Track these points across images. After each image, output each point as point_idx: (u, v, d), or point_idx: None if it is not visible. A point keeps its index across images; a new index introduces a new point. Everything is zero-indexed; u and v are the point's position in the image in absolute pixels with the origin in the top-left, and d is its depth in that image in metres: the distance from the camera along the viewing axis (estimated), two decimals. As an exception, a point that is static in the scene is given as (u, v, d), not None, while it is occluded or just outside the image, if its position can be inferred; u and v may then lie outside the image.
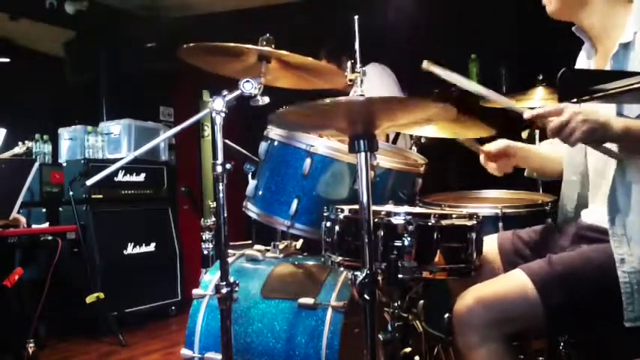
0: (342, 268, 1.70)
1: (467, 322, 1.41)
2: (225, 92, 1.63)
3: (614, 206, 1.43)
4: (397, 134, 3.15)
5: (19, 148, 3.84)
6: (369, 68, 3.18)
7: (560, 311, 1.39)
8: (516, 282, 1.42)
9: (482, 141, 1.95)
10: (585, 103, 1.37)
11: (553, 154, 1.76)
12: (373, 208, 1.33)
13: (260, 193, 1.98)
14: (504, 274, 1.51)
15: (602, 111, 1.38)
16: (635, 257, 1.37)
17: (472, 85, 1.56)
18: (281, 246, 2.09)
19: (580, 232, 1.58)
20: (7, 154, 3.75)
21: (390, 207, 1.68)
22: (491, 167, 1.81)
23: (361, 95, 1.42)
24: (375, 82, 3.12)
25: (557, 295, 1.38)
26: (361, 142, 1.33)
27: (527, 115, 1.44)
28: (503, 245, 1.68)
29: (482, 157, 1.82)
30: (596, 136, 1.33)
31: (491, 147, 1.79)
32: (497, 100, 1.57)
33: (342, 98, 1.30)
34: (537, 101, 2.67)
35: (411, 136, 2.73)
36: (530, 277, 1.41)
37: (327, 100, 1.25)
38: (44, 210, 3.97)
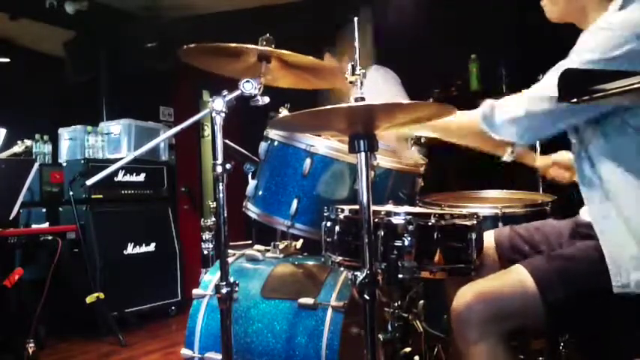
0: (342, 268, 1.70)
1: (466, 318, 1.41)
2: (225, 92, 1.63)
3: (592, 209, 1.44)
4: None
5: (18, 147, 3.83)
6: (373, 71, 3.20)
7: (559, 306, 1.39)
8: (516, 277, 1.42)
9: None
10: None
11: None
12: (373, 208, 1.33)
13: (260, 193, 1.98)
14: (504, 270, 1.51)
15: None
16: (620, 248, 1.37)
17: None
18: (281, 246, 2.09)
19: (578, 228, 1.59)
20: (5, 154, 3.75)
21: (390, 207, 1.68)
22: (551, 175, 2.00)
23: (361, 98, 1.42)
24: (379, 85, 3.12)
25: (557, 290, 1.38)
26: (361, 142, 1.33)
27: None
28: (500, 241, 1.69)
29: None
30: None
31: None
32: None
33: (341, 105, 1.30)
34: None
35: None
36: (530, 273, 1.41)
37: (327, 107, 1.25)
38: (44, 210, 3.98)
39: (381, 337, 1.68)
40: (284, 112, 2.52)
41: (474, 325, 1.39)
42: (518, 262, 1.48)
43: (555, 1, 1.54)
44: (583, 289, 1.41)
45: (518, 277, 1.42)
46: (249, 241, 2.60)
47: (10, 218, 2.99)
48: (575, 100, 0.91)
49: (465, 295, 1.43)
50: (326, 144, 1.86)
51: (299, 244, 2.17)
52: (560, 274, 1.40)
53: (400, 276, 1.43)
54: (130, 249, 4.08)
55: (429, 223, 1.45)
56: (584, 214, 1.61)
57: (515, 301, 1.40)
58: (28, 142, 3.90)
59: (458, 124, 1.56)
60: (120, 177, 4.12)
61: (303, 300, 1.77)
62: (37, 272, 3.18)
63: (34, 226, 3.42)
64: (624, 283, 1.34)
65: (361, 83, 1.46)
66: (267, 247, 2.11)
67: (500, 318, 1.39)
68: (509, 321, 1.41)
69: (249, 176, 2.06)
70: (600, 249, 1.40)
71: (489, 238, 1.69)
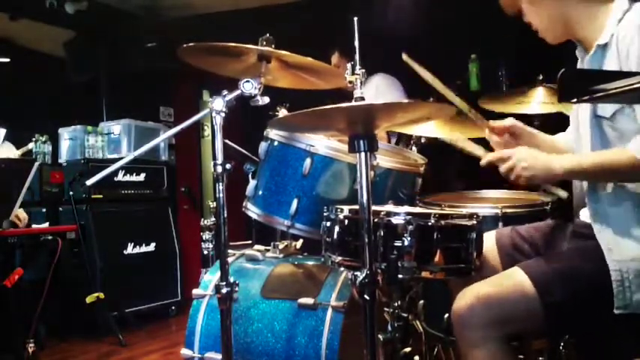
0: (342, 268, 1.70)
1: (467, 321, 1.40)
2: (225, 92, 1.63)
3: (596, 199, 1.46)
4: (399, 138, 3.14)
5: (33, 144, 4.10)
6: (378, 79, 3.20)
7: (558, 309, 1.39)
8: (515, 281, 1.42)
9: (480, 140, 1.96)
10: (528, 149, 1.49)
11: (568, 145, 1.74)
12: (373, 208, 1.33)
13: (260, 193, 1.98)
14: (503, 273, 1.51)
15: (543, 155, 1.47)
16: (621, 247, 1.38)
17: (438, 85, 1.71)
18: (281, 246, 2.10)
19: (577, 229, 1.59)
20: (21, 151, 3.92)
21: (390, 207, 1.68)
22: (494, 140, 1.78)
23: (361, 97, 1.43)
24: (383, 93, 3.12)
25: (556, 292, 1.38)
26: (361, 142, 1.33)
27: (483, 161, 1.57)
28: (501, 240, 1.69)
29: (487, 131, 1.80)
30: (539, 179, 1.47)
31: (498, 122, 1.79)
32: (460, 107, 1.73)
33: (341, 105, 1.30)
34: (537, 104, 2.65)
35: (410, 136, 2.73)
36: (529, 276, 1.41)
37: (326, 107, 1.25)
38: (44, 210, 3.98)
39: (381, 337, 1.68)
40: (282, 112, 2.51)
41: (475, 327, 1.39)
42: (517, 265, 1.48)
43: (542, 23, 1.56)
44: (582, 289, 1.41)
45: (518, 280, 1.42)
46: (249, 241, 2.60)
47: (12, 215, 2.99)
48: (575, 100, 0.91)
49: (466, 297, 1.42)
50: (326, 144, 1.86)
51: (299, 244, 2.17)
52: (559, 276, 1.40)
53: (400, 276, 1.43)
54: (130, 249, 4.08)
55: (429, 223, 1.45)
56: (584, 215, 1.61)
57: (516, 304, 1.40)
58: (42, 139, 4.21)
59: (610, 164, 1.38)
60: (120, 177, 4.12)
61: (303, 300, 1.77)
62: (37, 272, 3.18)
63: (34, 226, 3.41)
64: (627, 304, 1.36)
65: (361, 83, 1.46)
66: (267, 247, 2.11)
67: (502, 321, 1.39)
68: (511, 325, 1.40)
69: (249, 176, 2.06)
70: (599, 249, 1.41)
71: (490, 238, 1.69)
